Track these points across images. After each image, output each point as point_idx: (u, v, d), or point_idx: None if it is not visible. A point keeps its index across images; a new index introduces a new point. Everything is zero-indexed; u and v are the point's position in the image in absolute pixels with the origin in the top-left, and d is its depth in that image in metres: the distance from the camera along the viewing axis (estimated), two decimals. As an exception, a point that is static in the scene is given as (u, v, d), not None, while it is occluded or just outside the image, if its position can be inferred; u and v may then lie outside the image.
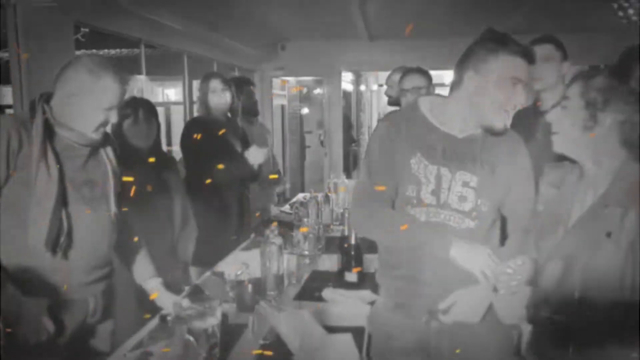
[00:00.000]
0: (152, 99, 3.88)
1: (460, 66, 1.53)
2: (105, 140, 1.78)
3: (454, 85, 1.56)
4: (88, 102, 1.63)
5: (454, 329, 1.54)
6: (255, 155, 2.94)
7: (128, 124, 2.28)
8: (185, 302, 1.69)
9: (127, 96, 1.76)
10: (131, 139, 2.28)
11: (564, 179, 1.46)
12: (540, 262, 1.42)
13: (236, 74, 6.51)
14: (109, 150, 1.79)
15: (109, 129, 1.80)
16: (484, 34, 1.52)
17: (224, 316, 1.71)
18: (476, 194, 1.53)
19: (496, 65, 1.46)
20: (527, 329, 1.53)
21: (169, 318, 1.64)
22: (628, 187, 1.29)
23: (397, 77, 3.27)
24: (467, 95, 1.51)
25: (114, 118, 1.69)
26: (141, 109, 2.30)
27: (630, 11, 2.61)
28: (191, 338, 1.32)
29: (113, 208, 1.77)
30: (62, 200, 1.62)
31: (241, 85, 3.67)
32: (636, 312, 1.23)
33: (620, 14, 2.71)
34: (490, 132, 1.53)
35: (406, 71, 2.90)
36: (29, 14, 2.58)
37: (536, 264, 1.42)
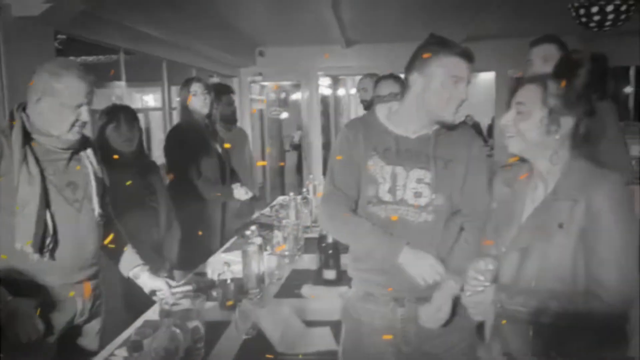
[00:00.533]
0: (131, 105, 3.94)
1: (408, 71, 1.68)
2: (85, 143, 1.83)
3: (405, 90, 1.71)
4: (55, 103, 1.68)
5: (418, 314, 1.68)
6: (239, 194, 3.14)
7: (110, 129, 2.36)
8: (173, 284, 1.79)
9: (94, 95, 1.77)
10: (114, 144, 2.35)
11: (516, 177, 1.57)
12: (499, 256, 1.53)
13: (216, 80, 6.57)
14: (90, 152, 1.85)
15: (89, 132, 1.86)
16: (427, 39, 1.67)
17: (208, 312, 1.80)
18: (430, 189, 1.66)
19: (437, 65, 1.60)
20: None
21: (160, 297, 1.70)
22: (576, 181, 1.40)
23: (368, 82, 3.40)
24: (415, 97, 1.65)
25: (84, 116, 1.72)
26: (122, 115, 2.38)
27: (589, 18, 2.75)
28: (177, 330, 1.40)
29: (97, 209, 1.83)
30: (46, 203, 1.68)
31: (221, 93, 3.75)
32: (592, 300, 1.35)
33: (577, 21, 2.84)
34: (443, 126, 1.67)
35: (380, 78, 3.01)
36: (10, 24, 2.62)
37: (497, 261, 1.52)
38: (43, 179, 1.68)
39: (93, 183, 1.83)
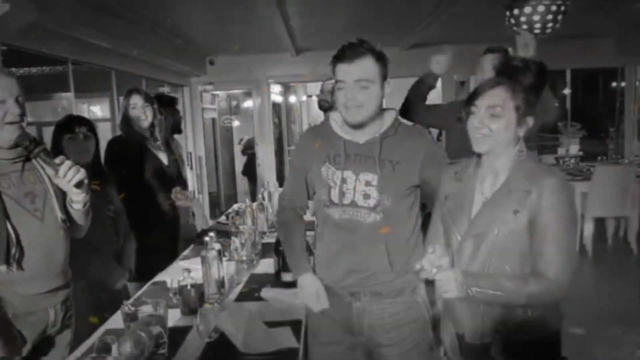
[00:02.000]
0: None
1: None
2: (34, 148, 1.78)
3: None
4: None
5: (372, 307, 1.82)
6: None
7: (66, 140, 2.35)
8: None
9: (19, 88, 1.72)
10: (70, 155, 2.33)
11: (465, 171, 1.71)
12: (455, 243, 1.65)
13: (166, 89, 6.53)
14: (40, 159, 1.80)
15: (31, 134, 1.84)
16: None
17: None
18: (378, 190, 1.78)
19: (334, 74, 1.76)
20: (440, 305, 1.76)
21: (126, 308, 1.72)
22: (527, 174, 1.56)
23: (329, 86, 3.49)
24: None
25: (13, 110, 1.68)
26: (77, 126, 2.37)
27: (524, 26, 2.94)
28: (143, 334, 1.43)
29: (59, 214, 1.82)
30: (5, 216, 1.67)
31: (166, 104, 3.76)
32: (541, 280, 1.49)
33: (515, 28, 3.03)
34: (388, 128, 1.82)
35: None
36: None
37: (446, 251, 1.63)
38: None
39: (51, 190, 1.82)
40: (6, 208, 1.69)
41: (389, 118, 1.84)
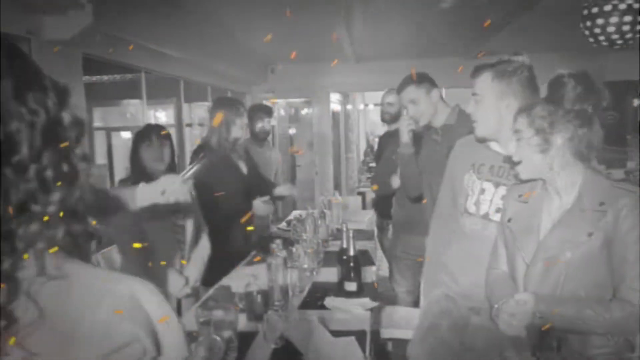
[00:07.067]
0: (144, 121, 4.06)
1: None
2: None
3: None
4: None
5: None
6: (258, 208, 3.28)
7: (144, 147, 2.47)
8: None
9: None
10: (147, 161, 2.46)
11: (530, 193, 1.66)
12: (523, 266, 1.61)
13: (229, 96, 6.70)
14: None
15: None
16: None
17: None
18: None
19: None
20: None
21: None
22: (599, 193, 1.49)
23: (394, 97, 3.50)
24: None
25: None
26: (154, 135, 2.49)
27: (601, 37, 2.84)
28: (218, 338, 1.48)
29: None
30: None
31: (266, 114, 4.06)
32: (626, 306, 1.42)
33: (591, 40, 2.93)
34: None
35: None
36: (41, 48, 2.74)
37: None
38: None
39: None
40: None
41: None
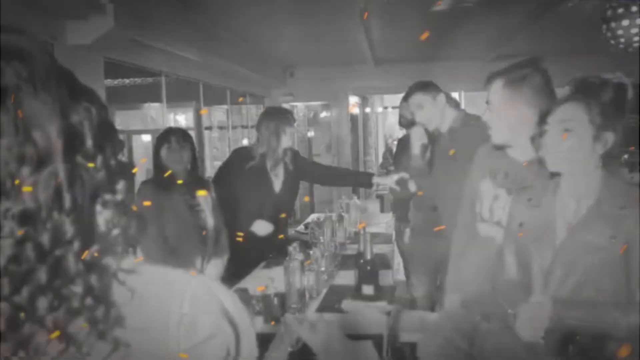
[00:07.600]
0: (164, 125, 4.09)
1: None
2: None
3: None
4: None
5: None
6: (259, 228, 3.08)
7: (164, 150, 2.52)
8: None
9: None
10: (167, 163, 2.51)
11: (541, 196, 1.61)
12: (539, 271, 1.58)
13: (247, 100, 6.74)
14: None
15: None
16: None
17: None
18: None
19: None
20: None
21: None
22: (618, 195, 1.46)
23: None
24: None
25: None
26: (173, 137, 2.53)
27: (622, 40, 2.79)
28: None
29: None
30: None
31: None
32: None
33: (612, 42, 2.88)
34: None
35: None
36: (64, 52, 2.80)
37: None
38: None
39: None
40: None
41: None
